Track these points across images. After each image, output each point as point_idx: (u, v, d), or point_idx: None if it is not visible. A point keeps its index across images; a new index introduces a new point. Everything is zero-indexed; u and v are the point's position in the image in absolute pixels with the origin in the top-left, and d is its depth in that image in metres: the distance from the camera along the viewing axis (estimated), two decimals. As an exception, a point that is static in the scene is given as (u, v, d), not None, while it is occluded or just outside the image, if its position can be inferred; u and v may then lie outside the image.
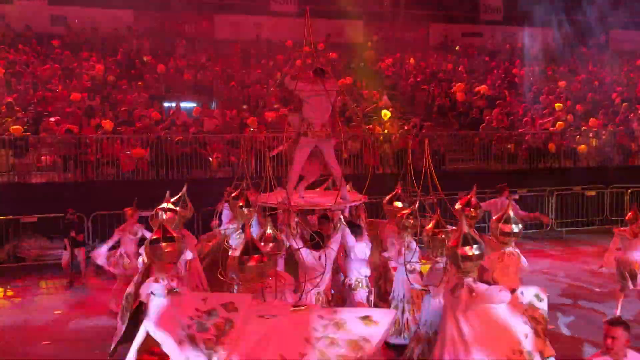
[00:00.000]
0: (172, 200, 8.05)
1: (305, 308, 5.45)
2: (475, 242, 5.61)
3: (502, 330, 5.46)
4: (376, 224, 8.71)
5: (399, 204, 8.27)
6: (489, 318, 5.49)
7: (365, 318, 5.20)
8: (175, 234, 6.07)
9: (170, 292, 5.66)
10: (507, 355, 5.36)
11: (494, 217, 7.35)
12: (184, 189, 8.33)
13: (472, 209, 7.96)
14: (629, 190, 14.94)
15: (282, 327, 5.21)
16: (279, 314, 5.32)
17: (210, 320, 5.20)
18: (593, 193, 14.92)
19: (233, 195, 8.39)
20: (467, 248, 5.58)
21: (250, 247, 5.65)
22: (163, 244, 5.87)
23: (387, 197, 8.46)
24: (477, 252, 5.60)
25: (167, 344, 5.07)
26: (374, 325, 5.14)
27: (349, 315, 5.27)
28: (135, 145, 13.22)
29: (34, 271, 11.54)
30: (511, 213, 7.12)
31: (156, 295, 5.54)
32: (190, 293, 5.94)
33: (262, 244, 6.21)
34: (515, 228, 7.06)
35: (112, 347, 6.88)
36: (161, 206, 7.70)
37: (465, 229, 5.68)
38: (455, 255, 5.62)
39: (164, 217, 7.49)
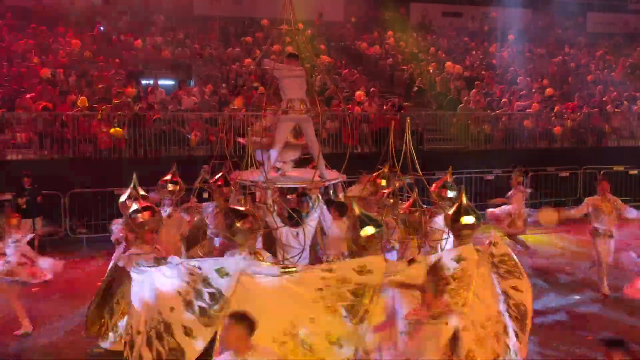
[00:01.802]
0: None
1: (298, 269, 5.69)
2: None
3: None
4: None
5: (383, 182, 8.05)
6: None
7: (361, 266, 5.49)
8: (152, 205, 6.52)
9: (159, 261, 5.81)
10: None
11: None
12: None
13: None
14: (602, 172, 15.17)
15: (284, 288, 5.48)
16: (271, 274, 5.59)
17: (205, 289, 5.48)
18: (566, 174, 15.17)
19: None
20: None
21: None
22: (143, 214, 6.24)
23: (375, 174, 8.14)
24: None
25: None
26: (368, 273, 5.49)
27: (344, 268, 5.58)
28: (114, 125, 13.10)
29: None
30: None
31: (140, 267, 5.73)
32: (183, 262, 5.91)
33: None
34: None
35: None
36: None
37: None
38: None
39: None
